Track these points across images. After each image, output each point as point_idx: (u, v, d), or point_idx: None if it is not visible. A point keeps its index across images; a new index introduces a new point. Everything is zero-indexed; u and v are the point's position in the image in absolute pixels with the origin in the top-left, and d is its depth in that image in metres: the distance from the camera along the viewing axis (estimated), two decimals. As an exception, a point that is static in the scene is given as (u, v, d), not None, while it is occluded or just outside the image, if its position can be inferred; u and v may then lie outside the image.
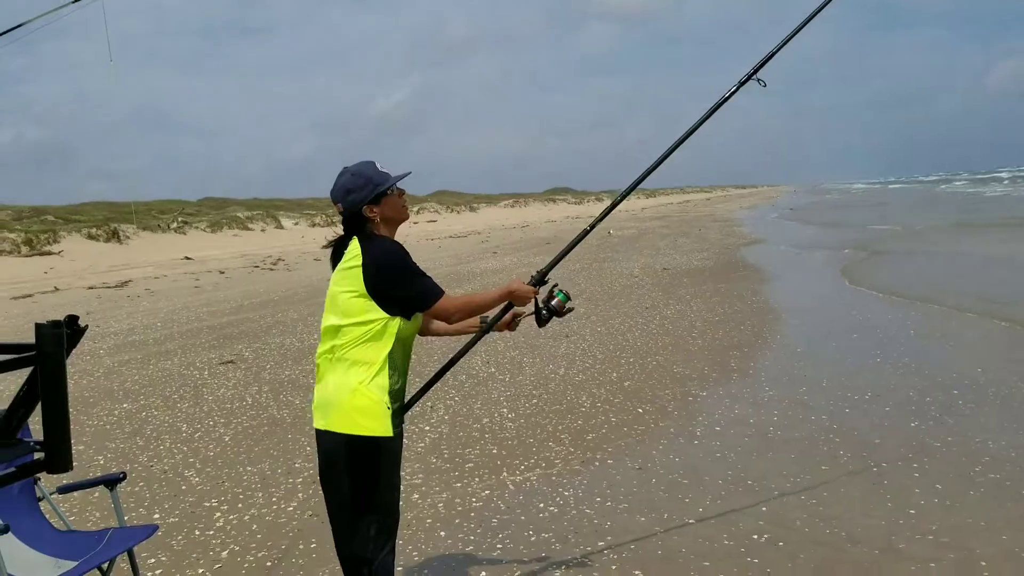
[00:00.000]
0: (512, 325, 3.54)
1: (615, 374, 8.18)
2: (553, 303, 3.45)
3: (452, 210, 67.73)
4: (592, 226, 3.71)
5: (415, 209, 62.51)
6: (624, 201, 3.90)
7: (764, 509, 4.71)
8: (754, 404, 6.84)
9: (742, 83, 3.79)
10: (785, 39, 3.89)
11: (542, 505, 4.99)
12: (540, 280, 3.43)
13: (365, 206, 3.13)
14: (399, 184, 3.21)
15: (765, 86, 3.79)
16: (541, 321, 3.47)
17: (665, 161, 3.79)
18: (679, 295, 13.38)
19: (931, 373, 7.40)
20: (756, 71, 3.79)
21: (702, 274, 16.24)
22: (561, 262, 3.58)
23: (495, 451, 6.06)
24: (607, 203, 3.90)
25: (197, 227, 42.91)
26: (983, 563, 3.89)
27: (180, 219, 43.35)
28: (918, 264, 16.35)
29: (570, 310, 3.51)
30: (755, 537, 4.35)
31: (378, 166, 3.18)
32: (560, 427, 6.54)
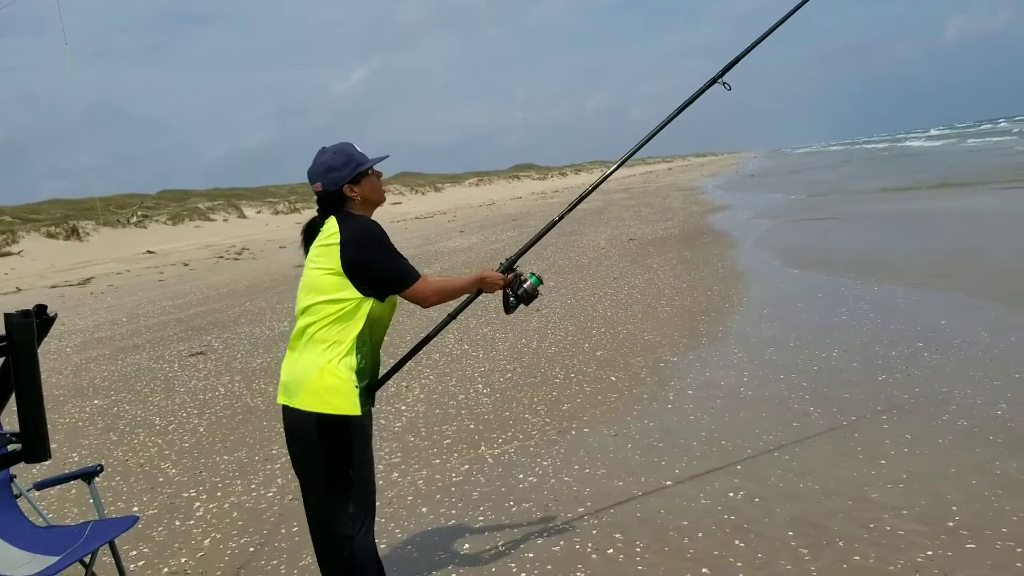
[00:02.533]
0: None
1: (587, 344, 8.24)
2: (525, 286, 3.46)
3: (417, 191, 67.38)
4: (561, 216, 3.77)
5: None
6: (588, 174, 3.94)
7: (739, 467, 4.79)
8: (724, 367, 6.94)
9: (708, 86, 3.84)
10: (751, 45, 3.95)
11: (521, 476, 5.04)
12: (509, 267, 3.46)
13: (346, 185, 3.14)
14: (376, 167, 3.22)
15: (730, 89, 3.84)
16: (508, 308, 3.49)
17: (629, 135, 3.84)
18: (646, 264, 13.47)
19: (896, 328, 7.53)
20: (722, 75, 3.83)
21: (668, 243, 16.36)
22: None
23: (472, 426, 6.09)
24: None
25: (158, 220, 42.31)
26: (954, 507, 3.99)
27: (140, 213, 42.72)
28: (876, 225, 16.57)
29: (537, 295, 3.51)
30: (731, 495, 4.43)
31: (356, 147, 3.19)
32: (536, 399, 6.59)
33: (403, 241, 23.17)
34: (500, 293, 3.45)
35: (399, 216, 37.95)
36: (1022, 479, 4.23)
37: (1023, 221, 14.38)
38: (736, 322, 8.61)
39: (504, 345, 8.59)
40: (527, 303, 3.50)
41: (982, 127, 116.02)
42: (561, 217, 3.74)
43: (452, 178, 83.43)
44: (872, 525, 3.90)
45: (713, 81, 3.84)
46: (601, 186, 4.02)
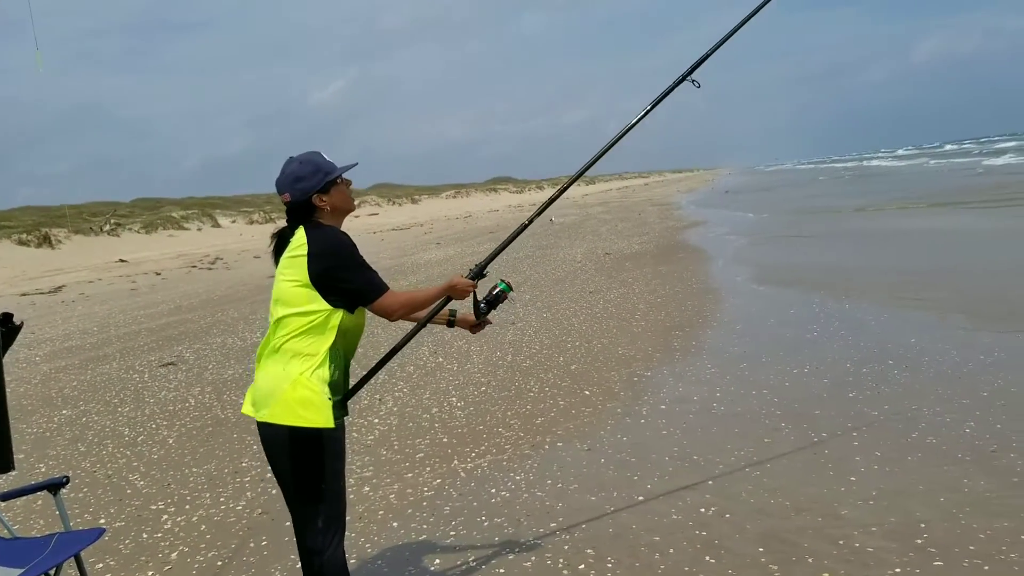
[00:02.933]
0: (475, 329, 3.56)
1: (562, 358, 8.24)
2: (495, 292, 3.47)
3: (393, 202, 67.29)
4: (531, 220, 3.73)
5: (356, 202, 61.81)
6: (567, 190, 3.94)
7: (710, 483, 4.81)
8: (697, 382, 6.97)
9: (677, 84, 3.84)
10: (719, 42, 3.95)
11: (494, 490, 5.03)
12: (478, 274, 3.43)
13: (315, 195, 3.12)
14: (345, 175, 3.21)
15: (699, 87, 3.85)
16: (478, 314, 3.47)
17: (599, 146, 3.83)
18: (622, 279, 13.52)
19: (866, 345, 7.60)
20: (691, 72, 3.84)
21: (643, 258, 16.43)
22: (501, 253, 3.59)
23: (445, 440, 6.07)
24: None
25: (131, 229, 41.93)
26: (922, 525, 4.03)
27: (113, 221, 42.30)
28: (847, 242, 16.75)
29: (504, 300, 3.51)
30: (702, 510, 4.45)
31: (324, 155, 3.17)
32: (509, 413, 6.58)
33: (379, 252, 23.13)
34: (470, 299, 3.44)
35: (375, 227, 37.83)
36: (990, 497, 4.27)
37: (987, 240, 14.57)
38: (709, 337, 8.66)
39: (479, 358, 8.58)
40: (495, 307, 3.51)
41: (947, 148, 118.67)
42: (530, 221, 3.72)
43: (429, 190, 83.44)
44: (841, 542, 3.93)
45: (682, 79, 3.84)
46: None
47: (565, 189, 3.86)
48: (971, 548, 3.76)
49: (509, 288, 3.52)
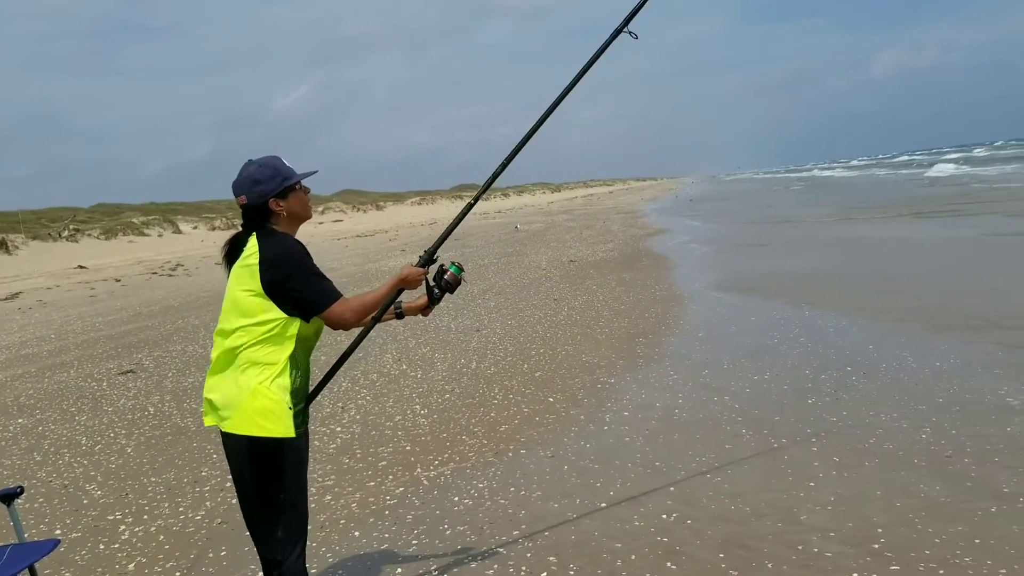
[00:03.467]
0: (427, 311, 3.51)
1: (526, 365, 8.25)
2: (446, 276, 3.43)
3: (358, 209, 66.95)
4: (475, 199, 3.70)
5: (320, 209, 61.50)
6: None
7: (672, 489, 4.84)
8: (660, 388, 7.01)
9: (615, 34, 3.81)
10: None
11: (457, 498, 5.02)
12: (428, 260, 3.38)
13: (272, 199, 3.08)
14: (305, 182, 3.17)
15: (636, 38, 3.84)
16: (432, 300, 3.43)
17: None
18: (586, 286, 13.57)
19: (825, 352, 7.70)
20: (627, 23, 3.82)
21: (607, 265, 16.51)
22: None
23: (408, 448, 6.05)
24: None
25: (90, 235, 41.23)
26: (879, 530, 4.09)
27: (72, 227, 41.60)
28: (805, 250, 16.97)
29: (460, 283, 3.49)
30: (664, 516, 4.47)
31: (284, 161, 3.14)
32: (473, 420, 6.57)
33: (342, 259, 23.01)
34: (423, 287, 3.41)
35: (339, 234, 37.60)
36: (945, 502, 4.35)
37: (938, 249, 14.84)
38: (672, 344, 8.72)
39: (443, 365, 8.56)
40: (451, 292, 3.48)
41: (901, 158, 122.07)
42: (476, 200, 3.69)
43: (394, 196, 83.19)
44: (800, 547, 3.97)
45: (619, 31, 3.82)
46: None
47: (506, 165, 3.82)
48: (927, 552, 3.83)
49: (460, 270, 3.48)
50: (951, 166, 60.55)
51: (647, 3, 3.84)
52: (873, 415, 5.84)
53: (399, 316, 3.51)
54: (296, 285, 2.98)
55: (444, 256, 3.47)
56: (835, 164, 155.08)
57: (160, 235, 44.83)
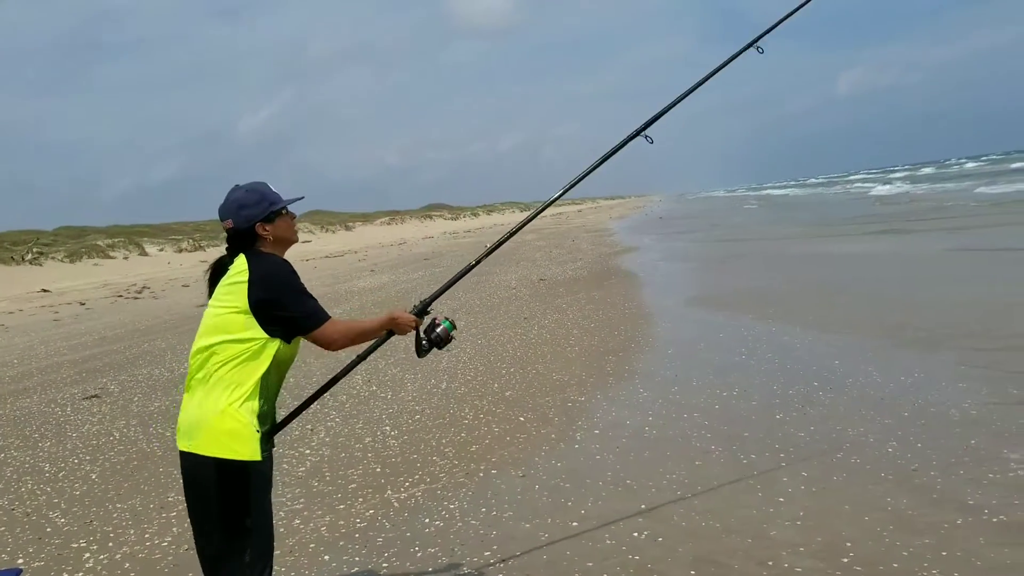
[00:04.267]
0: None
1: (496, 385, 8.24)
2: (438, 330, 3.46)
3: (327, 230, 66.68)
4: (478, 261, 3.77)
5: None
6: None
7: (643, 507, 4.85)
8: (630, 406, 7.03)
9: (630, 138, 3.95)
10: (675, 100, 4.08)
11: (427, 520, 4.99)
12: (422, 310, 3.45)
13: (258, 223, 3.10)
14: (290, 208, 3.21)
15: (652, 142, 3.97)
16: (421, 351, 3.46)
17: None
18: (556, 304, 13.59)
19: (792, 367, 7.78)
20: (645, 128, 3.96)
21: (577, 283, 16.56)
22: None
23: (379, 470, 6.01)
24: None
25: (54, 258, 40.65)
26: (848, 544, 4.12)
27: (35, 250, 40.98)
28: (770, 266, 17.15)
29: (451, 340, 3.51)
30: (635, 535, 4.48)
31: (271, 187, 3.16)
32: (444, 441, 6.54)
33: (312, 280, 22.80)
34: (412, 335, 3.43)
35: (308, 255, 37.39)
36: (912, 515, 4.40)
37: (894, 265, 15.07)
38: (642, 362, 8.76)
39: (413, 386, 8.53)
40: (440, 347, 3.50)
41: (852, 176, 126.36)
42: (477, 262, 3.76)
43: (363, 217, 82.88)
44: (771, 563, 4.00)
45: (636, 134, 3.96)
46: (512, 227, 4.05)
47: (513, 234, 3.91)
48: (895, 566, 3.87)
49: (453, 327, 3.52)
50: (892, 186, 63.65)
51: (667, 113, 3.96)
52: (840, 430, 5.90)
53: (363, 357, 3.56)
54: (286, 304, 3.01)
55: (439, 308, 3.52)
56: (791, 183, 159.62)
57: (126, 257, 44.33)
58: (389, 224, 77.86)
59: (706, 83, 4.17)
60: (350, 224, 73.38)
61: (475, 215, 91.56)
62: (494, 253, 3.76)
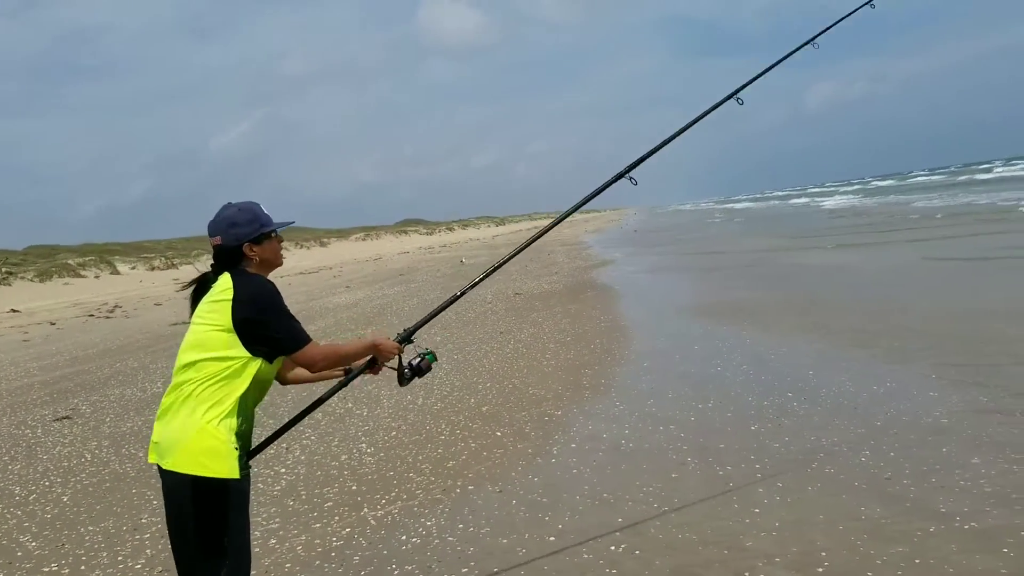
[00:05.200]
0: (375, 368, 3.56)
1: (473, 400, 8.23)
2: (420, 363, 3.50)
3: (301, 246, 66.40)
4: (462, 292, 3.83)
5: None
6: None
7: (620, 520, 4.86)
8: (606, 419, 7.05)
9: (616, 178, 4.05)
10: (658, 145, 4.18)
11: (404, 537, 4.97)
12: (406, 338, 3.47)
13: (247, 243, 3.11)
14: (280, 231, 3.23)
15: (636, 184, 4.06)
16: (402, 380, 3.50)
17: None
18: (532, 318, 13.61)
19: (767, 379, 7.83)
20: (629, 171, 4.05)
21: (553, 297, 16.58)
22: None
23: (355, 487, 5.97)
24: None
25: (23, 277, 40.14)
26: (823, 554, 4.15)
27: (4, 270, 40.46)
28: (744, 278, 17.29)
29: (430, 370, 3.57)
30: (613, 548, 4.48)
31: (263, 208, 3.18)
32: (420, 457, 6.52)
33: (286, 297, 22.50)
34: (394, 363, 3.46)
35: (282, 272, 36.98)
36: (885, 523, 4.44)
37: (861, 275, 15.24)
38: (618, 375, 8.78)
39: (389, 402, 8.49)
40: (419, 376, 3.55)
41: (812, 189, 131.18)
42: (462, 293, 3.83)
43: (338, 233, 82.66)
44: (747, 573, 4.02)
45: (621, 176, 4.06)
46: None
47: (505, 262, 3.98)
48: (869, 574, 3.90)
49: (435, 359, 3.57)
50: (842, 198, 68.52)
51: (648, 159, 4.04)
52: (814, 440, 5.94)
53: (346, 383, 3.60)
54: (271, 324, 3.02)
55: (422, 339, 3.55)
56: (755, 195, 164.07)
57: (97, 276, 43.85)
58: (364, 240, 77.69)
59: (690, 127, 4.29)
60: (325, 240, 73.17)
61: (451, 229, 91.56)
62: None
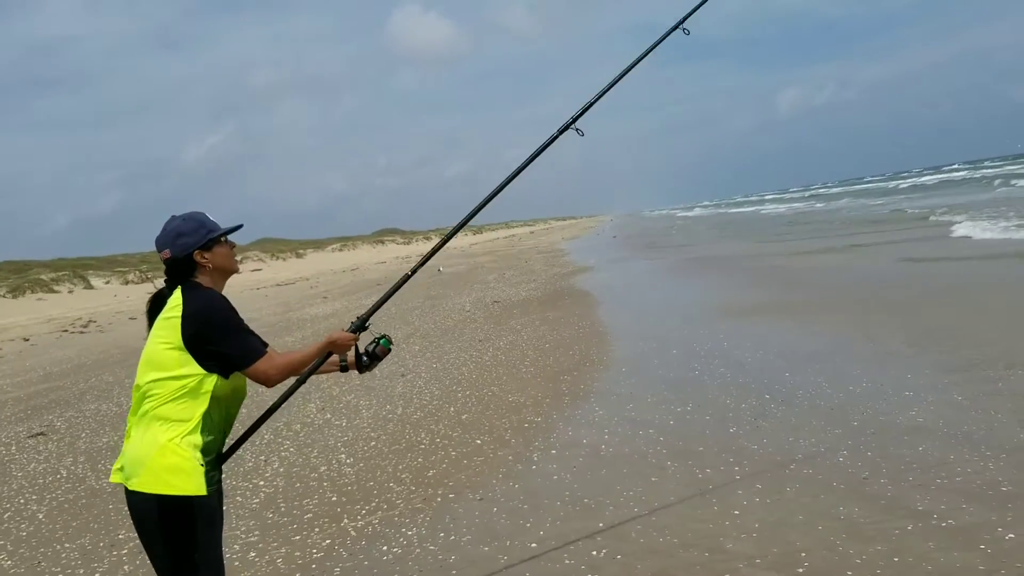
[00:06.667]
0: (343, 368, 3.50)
1: (452, 408, 8.21)
2: (376, 349, 3.46)
3: (277, 257, 65.98)
4: (413, 271, 3.75)
5: (238, 258, 60.30)
6: (452, 239, 3.99)
7: (601, 525, 4.86)
8: (586, 425, 7.06)
9: (561, 131, 3.97)
10: (600, 92, 4.10)
11: (385, 548, 4.94)
12: (360, 326, 3.40)
13: (196, 251, 3.06)
14: (229, 237, 3.18)
15: (583, 135, 4.00)
16: (361, 367, 3.44)
17: (490, 200, 3.90)
18: (510, 326, 13.61)
19: (745, 382, 7.87)
20: (574, 121, 3.98)
21: (531, 304, 16.60)
22: (386, 304, 3.59)
23: (335, 499, 5.94)
24: (436, 241, 3.98)
25: (-5, 293, 39.65)
26: (803, 554, 4.18)
27: (-25, 286, 39.93)
28: (722, 279, 17.39)
29: (388, 353, 3.51)
30: (594, 553, 4.49)
31: (208, 216, 3.14)
32: (400, 467, 6.50)
33: (263, 309, 22.60)
34: (351, 353, 3.39)
35: (259, 283, 36.96)
36: (863, 523, 4.47)
37: (833, 275, 15.39)
38: (597, 380, 8.80)
39: (368, 412, 8.46)
40: (378, 361, 3.48)
41: (769, 196, 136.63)
42: (413, 272, 3.73)
43: (314, 243, 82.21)
44: (727, 575, 4.03)
45: (566, 127, 3.97)
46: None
47: (447, 240, 3.92)
48: (848, 574, 3.93)
49: (390, 343, 3.52)
50: (786, 205, 75.30)
51: (594, 104, 3.99)
52: (792, 441, 5.98)
53: (343, 369, 3.48)
54: (218, 340, 2.95)
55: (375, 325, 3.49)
56: (706, 202, 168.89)
57: (71, 291, 43.37)
58: (341, 250, 77.31)
59: (632, 71, 4.17)
60: (301, 251, 72.75)
61: (428, 238, 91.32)
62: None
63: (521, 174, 3.91)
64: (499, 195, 3.89)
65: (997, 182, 50.14)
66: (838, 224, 32.99)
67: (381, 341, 3.47)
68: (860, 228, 28.12)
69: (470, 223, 3.96)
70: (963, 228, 21.62)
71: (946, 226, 23.09)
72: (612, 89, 4.11)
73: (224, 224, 3.20)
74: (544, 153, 3.95)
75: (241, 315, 3.09)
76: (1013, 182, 47.04)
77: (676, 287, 17.43)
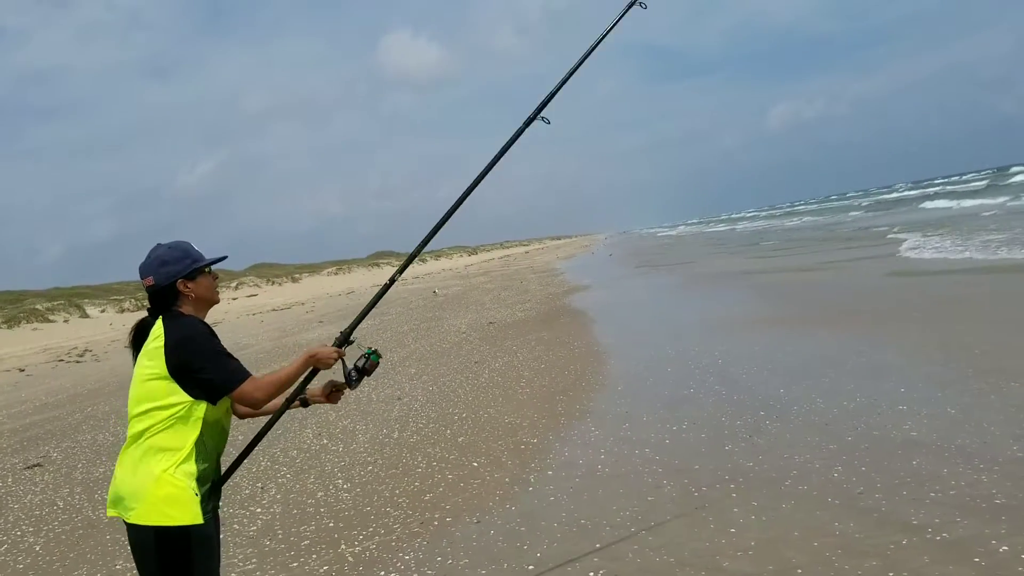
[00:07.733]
0: (333, 397, 3.48)
1: (449, 431, 8.22)
2: (365, 363, 3.39)
3: (272, 282, 65.90)
4: (392, 280, 3.75)
5: (233, 284, 60.39)
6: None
7: (598, 545, 4.87)
8: (582, 445, 7.08)
9: (529, 122, 3.99)
10: (561, 81, 4.11)
11: (383, 573, 4.95)
12: (344, 340, 3.37)
13: (180, 280, 3.09)
14: (213, 268, 3.21)
15: (549, 123, 4.02)
16: (351, 383, 3.39)
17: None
18: (506, 347, 13.63)
19: (740, 399, 7.90)
20: (540, 111, 4.00)
21: (526, 325, 16.62)
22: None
23: (332, 524, 5.94)
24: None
25: (-10, 324, 39.54)
26: (799, 570, 4.20)
27: (-31, 317, 39.83)
28: (715, 298, 17.45)
29: (376, 367, 3.44)
30: (592, 574, 4.50)
31: (193, 246, 3.17)
32: (397, 491, 6.50)
33: (258, 335, 22.57)
34: (339, 369, 3.35)
35: (254, 309, 36.91)
36: (858, 538, 4.49)
37: (824, 291, 15.46)
38: (593, 400, 8.82)
39: (365, 437, 8.46)
40: (367, 375, 3.41)
41: (748, 213, 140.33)
42: (392, 281, 3.75)
43: (310, 267, 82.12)
44: (724, 593, 4.04)
45: (532, 119, 3.98)
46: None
47: (427, 240, 3.90)
48: (843, 589, 3.94)
49: (378, 356, 3.44)
50: (756, 223, 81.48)
51: (558, 92, 4.02)
52: (787, 457, 6.00)
53: (304, 404, 3.47)
54: (202, 367, 2.97)
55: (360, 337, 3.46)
56: (694, 220, 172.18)
57: (66, 320, 43.27)
58: (337, 274, 77.24)
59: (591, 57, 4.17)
60: (297, 275, 72.66)
61: (423, 261, 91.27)
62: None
63: (496, 169, 3.92)
64: (475, 189, 3.89)
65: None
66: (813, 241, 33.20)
67: (371, 356, 3.41)
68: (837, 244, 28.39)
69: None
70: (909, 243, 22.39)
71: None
72: (583, 91, 4.14)
73: (209, 255, 3.22)
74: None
75: (236, 342, 3.12)
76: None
77: (670, 304, 17.46)
